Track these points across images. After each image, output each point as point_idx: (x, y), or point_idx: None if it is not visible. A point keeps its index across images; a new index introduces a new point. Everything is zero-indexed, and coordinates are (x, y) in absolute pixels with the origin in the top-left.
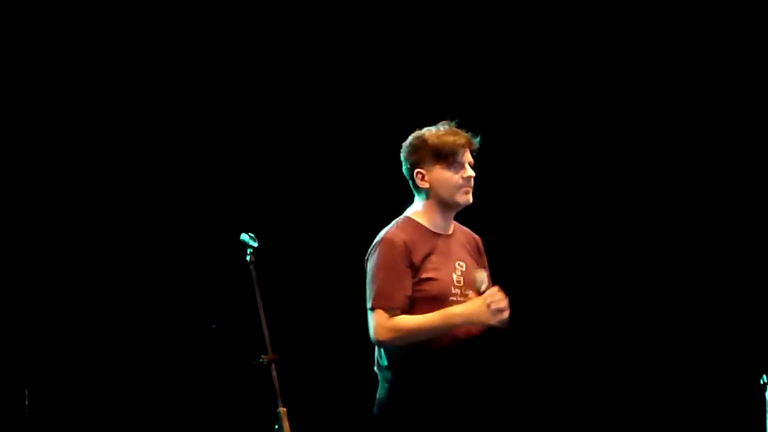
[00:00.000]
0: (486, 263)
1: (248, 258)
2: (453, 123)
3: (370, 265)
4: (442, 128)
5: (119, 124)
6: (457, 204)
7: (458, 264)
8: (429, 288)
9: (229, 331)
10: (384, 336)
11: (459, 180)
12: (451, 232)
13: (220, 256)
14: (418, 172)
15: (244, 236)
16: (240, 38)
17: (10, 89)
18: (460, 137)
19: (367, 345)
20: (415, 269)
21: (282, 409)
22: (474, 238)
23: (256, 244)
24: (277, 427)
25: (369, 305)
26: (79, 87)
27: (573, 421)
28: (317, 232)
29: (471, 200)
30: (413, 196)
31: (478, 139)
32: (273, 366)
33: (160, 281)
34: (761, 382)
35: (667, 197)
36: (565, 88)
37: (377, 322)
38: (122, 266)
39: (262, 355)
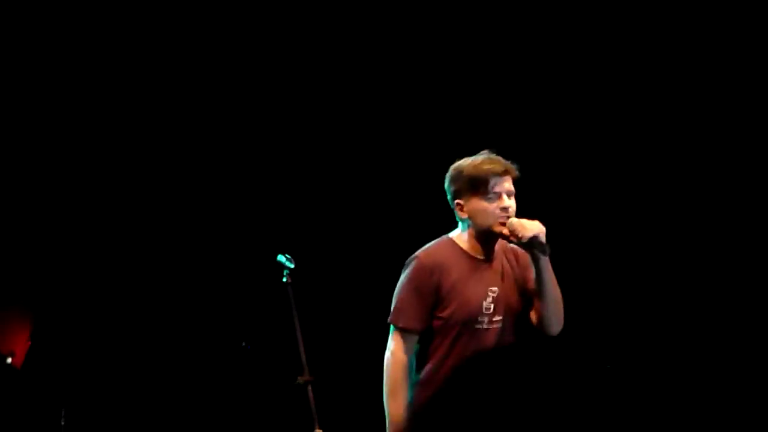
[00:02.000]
0: (531, 271)
1: (285, 279)
2: (492, 151)
3: (400, 280)
4: (480, 157)
5: (158, 142)
6: (495, 233)
7: (490, 290)
8: (454, 314)
9: (267, 352)
10: (387, 353)
11: (495, 210)
12: (492, 257)
13: (257, 276)
14: (457, 203)
15: (280, 257)
16: (283, 62)
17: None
18: (496, 165)
19: None
20: (443, 293)
21: (318, 431)
22: (516, 253)
23: (292, 266)
24: None
25: (389, 319)
26: (113, 104)
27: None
28: (354, 252)
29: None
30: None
31: (516, 166)
32: (309, 387)
33: (200, 303)
34: None
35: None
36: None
37: (391, 341)
38: (162, 286)
39: (299, 377)
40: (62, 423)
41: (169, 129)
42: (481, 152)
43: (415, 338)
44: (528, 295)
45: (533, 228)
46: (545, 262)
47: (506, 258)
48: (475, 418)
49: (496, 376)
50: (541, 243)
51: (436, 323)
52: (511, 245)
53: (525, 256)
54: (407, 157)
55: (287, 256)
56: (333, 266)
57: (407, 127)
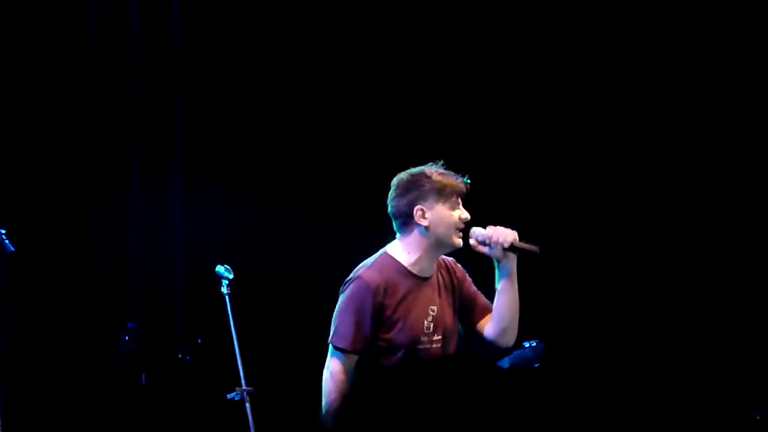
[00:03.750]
0: (469, 282)
1: (224, 290)
2: (441, 163)
3: (340, 300)
4: (437, 169)
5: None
6: (451, 245)
7: (431, 309)
8: (398, 335)
9: (203, 364)
10: (325, 375)
11: (457, 221)
12: (431, 274)
13: (195, 287)
14: (419, 209)
15: (219, 268)
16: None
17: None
18: (460, 182)
19: None
20: (386, 314)
21: None
22: (449, 267)
23: (231, 276)
24: None
25: (329, 340)
26: None
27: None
28: (293, 264)
29: (461, 244)
30: (387, 233)
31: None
32: (247, 398)
33: (136, 313)
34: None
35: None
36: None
37: (330, 362)
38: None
39: (237, 388)
40: None
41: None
42: (429, 163)
43: (355, 359)
44: (467, 309)
45: (510, 232)
46: (513, 270)
47: (440, 274)
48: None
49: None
50: (522, 246)
51: (379, 344)
52: (444, 258)
53: (460, 270)
54: (346, 165)
55: (226, 266)
56: (272, 277)
57: (343, 137)
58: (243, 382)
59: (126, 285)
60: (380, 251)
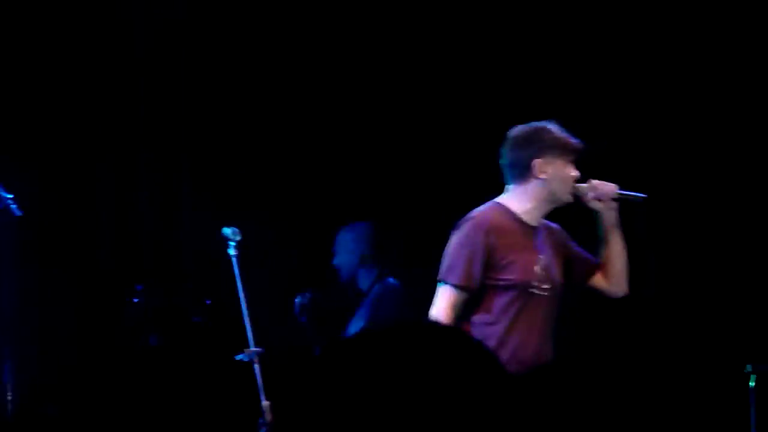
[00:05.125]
0: (572, 242)
1: (231, 251)
2: (555, 122)
3: (452, 239)
4: (556, 126)
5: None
6: (564, 200)
7: (540, 257)
8: (511, 275)
9: (213, 325)
10: (432, 310)
11: (572, 180)
12: (539, 227)
13: (202, 249)
14: (537, 162)
15: (226, 230)
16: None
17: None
18: (579, 142)
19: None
20: (499, 255)
21: (266, 403)
22: (552, 228)
23: (239, 238)
24: (261, 420)
25: (438, 277)
26: None
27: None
28: (301, 226)
29: (573, 200)
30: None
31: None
32: (257, 359)
33: (143, 277)
34: (746, 371)
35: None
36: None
37: (439, 298)
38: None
39: (245, 349)
40: None
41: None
42: (546, 121)
43: (465, 297)
44: (576, 266)
45: (612, 184)
46: (617, 220)
47: (547, 231)
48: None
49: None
50: (626, 193)
51: (490, 284)
52: (546, 222)
53: (563, 231)
54: (360, 133)
55: (234, 228)
56: (280, 239)
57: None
58: (251, 343)
59: (135, 247)
60: (490, 201)
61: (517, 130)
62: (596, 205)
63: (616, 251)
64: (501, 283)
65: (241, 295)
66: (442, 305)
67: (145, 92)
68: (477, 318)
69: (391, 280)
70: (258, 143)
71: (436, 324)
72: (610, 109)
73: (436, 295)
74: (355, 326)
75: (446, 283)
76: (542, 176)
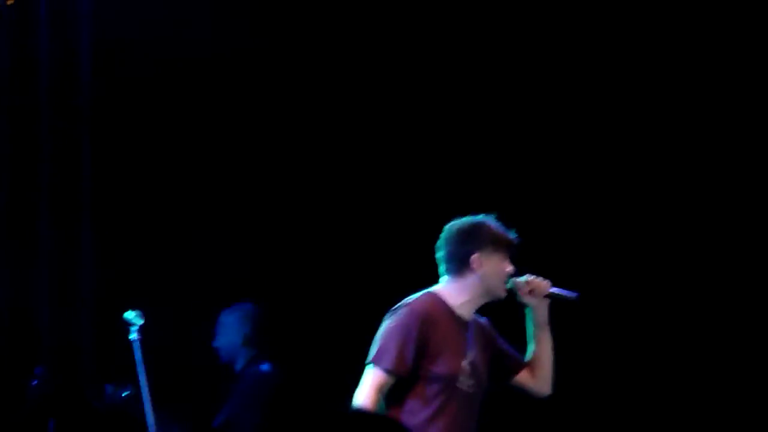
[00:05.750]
0: (501, 340)
1: (132, 336)
2: (493, 217)
3: (386, 324)
4: (493, 221)
5: None
6: (497, 295)
7: (469, 353)
8: (438, 368)
9: (113, 410)
10: (358, 393)
11: (508, 274)
12: (470, 319)
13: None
14: (476, 257)
15: (128, 314)
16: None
17: None
18: (514, 238)
19: None
20: (431, 346)
21: None
22: (487, 326)
23: (141, 322)
24: None
25: (368, 359)
26: None
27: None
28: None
29: (506, 295)
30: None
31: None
32: None
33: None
34: None
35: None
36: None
37: (365, 380)
38: None
39: None
40: None
41: None
42: (482, 215)
43: (391, 383)
44: (502, 363)
45: (546, 281)
46: (547, 317)
47: (477, 327)
48: None
49: None
50: (559, 293)
51: (420, 373)
52: (476, 317)
53: (492, 328)
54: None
55: (137, 312)
56: (187, 320)
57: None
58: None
59: (34, 329)
60: (425, 290)
61: (457, 224)
62: (530, 300)
63: (544, 349)
64: (428, 374)
65: (143, 379)
66: (368, 388)
67: (49, 168)
68: (400, 405)
69: (264, 366)
70: (163, 220)
71: (365, 413)
72: (543, 203)
73: (363, 376)
74: (224, 413)
75: (376, 366)
76: (479, 271)
